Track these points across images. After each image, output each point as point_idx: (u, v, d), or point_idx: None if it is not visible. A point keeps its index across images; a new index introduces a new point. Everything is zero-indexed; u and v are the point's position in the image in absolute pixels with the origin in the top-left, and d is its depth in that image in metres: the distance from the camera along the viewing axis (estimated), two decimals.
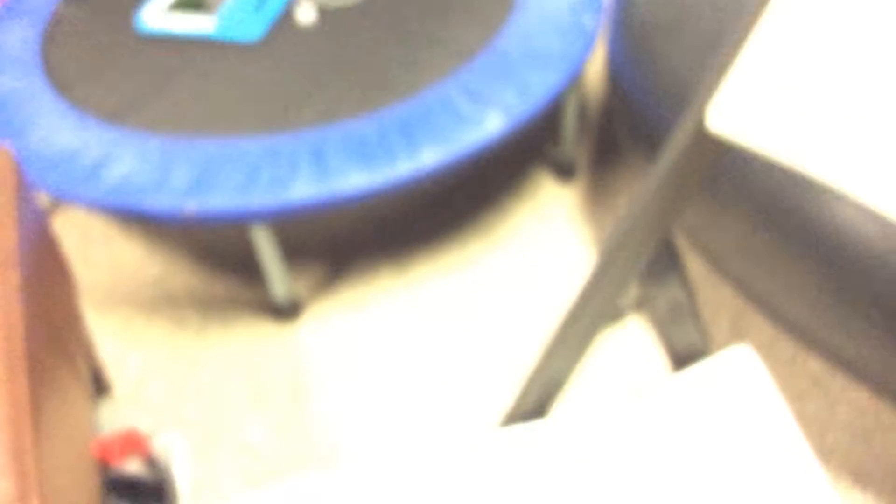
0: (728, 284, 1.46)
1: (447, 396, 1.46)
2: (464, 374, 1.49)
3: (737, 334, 1.50)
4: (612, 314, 0.79)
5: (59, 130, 1.50)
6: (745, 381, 0.84)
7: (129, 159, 1.45)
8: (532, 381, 0.83)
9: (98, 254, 1.75)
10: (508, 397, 0.85)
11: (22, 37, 1.72)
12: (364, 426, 1.43)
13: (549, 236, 1.70)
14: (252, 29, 1.64)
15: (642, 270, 0.78)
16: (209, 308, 1.63)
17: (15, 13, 1.79)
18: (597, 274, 0.76)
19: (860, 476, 1.31)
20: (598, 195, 1.78)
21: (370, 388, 1.48)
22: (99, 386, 1.44)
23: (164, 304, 1.64)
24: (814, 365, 1.43)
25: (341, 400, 1.46)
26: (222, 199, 1.39)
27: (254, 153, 1.44)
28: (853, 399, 1.40)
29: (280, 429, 1.43)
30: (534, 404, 0.83)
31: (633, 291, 0.80)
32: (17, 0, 1.83)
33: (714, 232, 1.29)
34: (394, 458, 0.86)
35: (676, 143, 0.71)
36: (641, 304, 0.81)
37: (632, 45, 1.50)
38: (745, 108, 0.68)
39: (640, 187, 0.73)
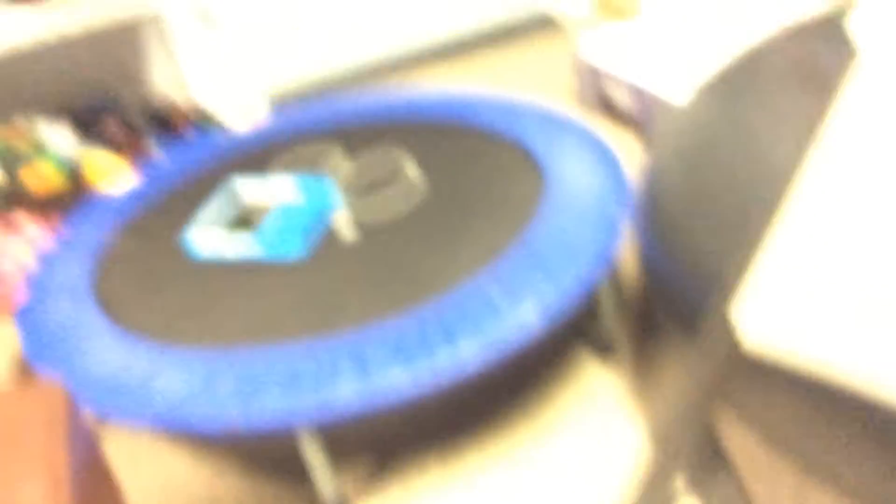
0: (786, 457, 1.43)
1: None
2: None
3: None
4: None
5: (108, 354, 1.56)
6: None
7: (175, 375, 1.49)
8: None
9: (146, 469, 1.77)
10: None
11: (76, 268, 1.81)
12: None
13: (596, 419, 1.69)
14: (296, 248, 1.72)
15: (691, 469, 0.78)
16: None
17: (69, 246, 1.89)
18: (647, 472, 0.76)
19: None
20: (642, 376, 1.78)
21: None
22: None
23: None
24: None
25: None
26: (267, 407, 1.41)
27: (295, 359, 1.48)
28: None
29: None
30: None
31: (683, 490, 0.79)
32: (72, 233, 1.93)
33: (767, 403, 1.28)
34: None
35: (709, 351, 0.72)
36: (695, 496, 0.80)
37: (659, 232, 1.55)
38: (778, 317, 0.69)
39: (676, 390, 0.74)
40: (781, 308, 0.68)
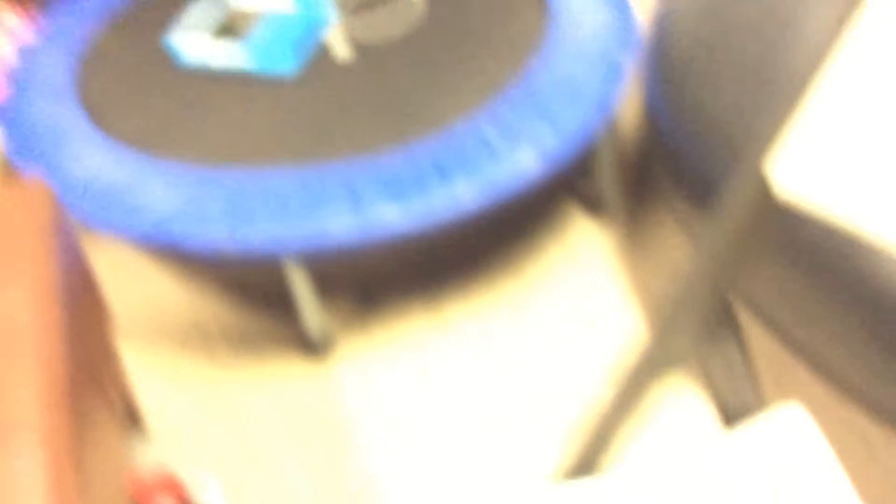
0: (771, 336, 1.44)
1: (482, 439, 1.44)
2: (499, 416, 1.47)
3: (779, 387, 1.47)
4: (668, 371, 0.77)
5: (93, 159, 1.51)
6: (798, 439, 0.83)
7: (162, 189, 1.44)
8: (586, 435, 0.81)
9: (128, 285, 1.74)
10: (545, 441, 0.83)
11: (58, 65, 1.72)
12: (401, 470, 1.41)
13: (582, 277, 1.69)
14: (287, 62, 1.64)
15: (702, 329, 0.76)
16: (241, 342, 1.62)
17: (51, 40, 1.79)
18: (657, 332, 0.75)
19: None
20: (631, 234, 1.77)
21: (406, 431, 1.46)
22: (132, 421, 1.43)
23: (195, 337, 1.63)
24: (859, 419, 1.41)
25: (378, 441, 1.45)
26: (255, 233, 1.38)
27: (285, 186, 1.44)
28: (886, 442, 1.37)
29: (316, 469, 1.42)
30: (585, 460, 0.82)
31: (689, 347, 0.78)
32: (53, 26, 1.83)
33: (760, 283, 1.27)
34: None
35: (738, 205, 0.69)
36: (698, 362, 0.79)
37: (669, 83, 1.49)
38: (814, 172, 0.66)
39: (700, 245, 0.72)
40: (818, 162, 0.65)
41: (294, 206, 1.41)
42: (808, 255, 1.18)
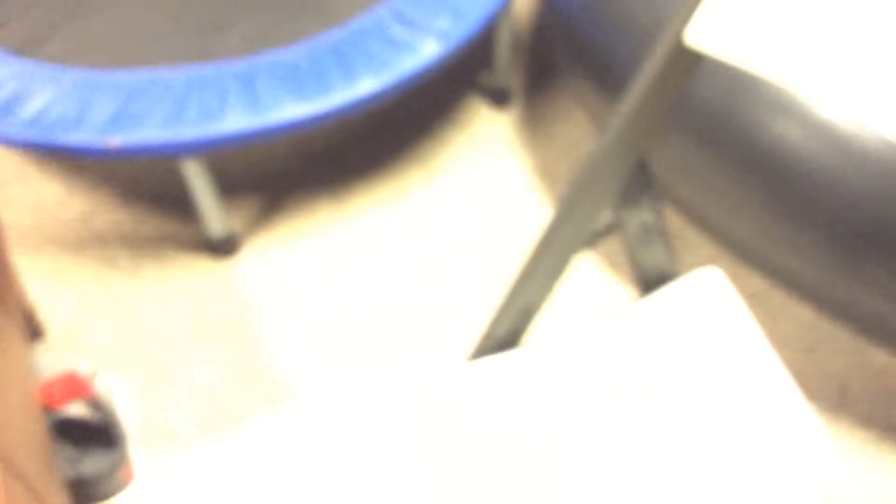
0: (667, 203, 1.47)
1: (392, 323, 1.44)
2: (408, 301, 1.48)
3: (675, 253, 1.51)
4: (585, 239, 0.77)
5: None
6: (716, 301, 0.85)
7: (46, 92, 1.37)
8: (504, 310, 0.82)
9: (15, 193, 1.67)
10: (453, 324, 0.82)
11: None
12: (312, 359, 1.41)
13: (487, 165, 1.69)
14: None
15: (617, 193, 0.77)
16: (141, 246, 1.57)
17: None
18: (571, 197, 0.75)
19: (804, 390, 1.35)
20: (533, 120, 1.77)
21: (314, 321, 1.46)
22: (32, 330, 1.38)
23: (92, 243, 1.58)
24: (755, 282, 1.46)
25: (286, 334, 1.44)
26: (149, 132, 1.34)
27: (179, 83, 1.38)
28: (795, 315, 1.43)
29: (226, 364, 1.40)
30: (506, 334, 0.82)
31: (605, 215, 0.79)
32: None
33: (662, 158, 1.29)
34: (356, 393, 0.84)
35: (653, 64, 0.69)
36: (613, 228, 0.80)
37: None
38: (725, 21, 0.67)
39: (615, 108, 0.71)
40: (731, 11, 0.66)
41: (190, 104, 1.37)
42: (705, 120, 1.20)
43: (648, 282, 0.86)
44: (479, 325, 0.87)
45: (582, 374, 0.83)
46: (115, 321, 1.48)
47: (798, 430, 0.81)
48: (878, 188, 1.11)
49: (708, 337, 0.84)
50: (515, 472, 0.78)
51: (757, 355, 0.84)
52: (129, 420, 1.32)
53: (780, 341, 1.41)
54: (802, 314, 1.44)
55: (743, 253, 1.31)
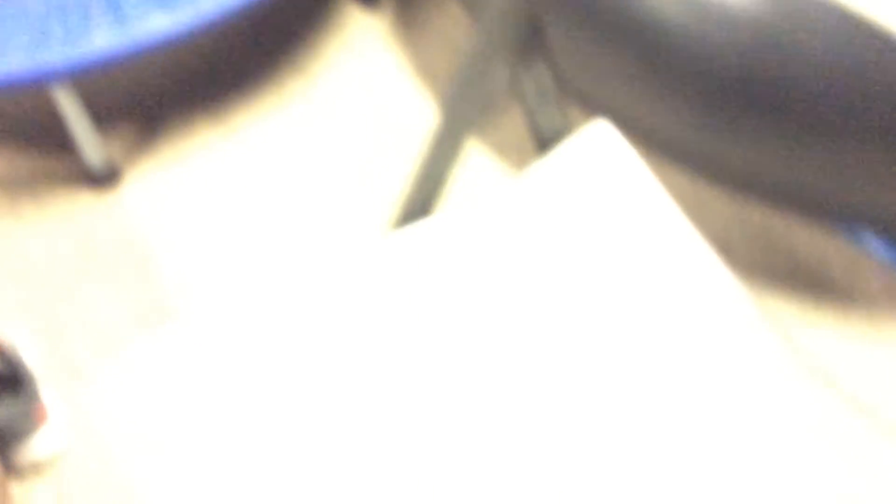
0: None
1: (284, 238, 1.44)
2: (295, 214, 1.47)
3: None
4: (484, 103, 0.79)
5: None
6: (610, 154, 0.87)
7: None
8: (414, 180, 0.83)
9: None
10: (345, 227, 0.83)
11: None
12: (209, 280, 1.39)
13: (364, 67, 1.67)
14: None
15: (512, 54, 0.78)
16: (17, 186, 1.52)
17: None
18: (469, 64, 0.76)
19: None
20: (406, 17, 1.76)
21: (206, 242, 1.45)
22: None
23: None
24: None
25: (178, 258, 1.43)
26: (12, 61, 1.28)
27: (39, 7, 1.32)
28: (670, 182, 1.47)
29: (119, 295, 1.38)
30: (418, 204, 0.83)
31: (503, 78, 0.80)
32: None
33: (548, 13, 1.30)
34: (269, 288, 0.85)
35: None
36: (511, 90, 0.82)
37: None
38: None
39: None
40: None
41: (53, 27, 1.31)
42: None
43: (546, 142, 0.88)
44: (372, 229, 0.87)
45: (494, 237, 0.85)
46: (1, 266, 1.43)
47: (708, 278, 0.85)
48: (741, 43, 1.15)
49: (609, 187, 0.87)
50: (437, 340, 0.80)
51: (655, 202, 0.87)
52: (33, 362, 1.29)
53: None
54: (678, 180, 1.48)
55: (614, 117, 1.34)
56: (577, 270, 0.83)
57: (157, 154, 1.57)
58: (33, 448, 1.19)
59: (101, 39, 1.31)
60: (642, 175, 0.88)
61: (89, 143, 1.46)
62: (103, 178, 1.52)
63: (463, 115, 0.80)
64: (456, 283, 0.83)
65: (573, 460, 0.74)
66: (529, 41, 0.78)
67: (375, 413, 0.77)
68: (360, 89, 1.64)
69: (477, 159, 1.50)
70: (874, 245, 1.30)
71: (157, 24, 1.32)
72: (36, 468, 1.21)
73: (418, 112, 1.60)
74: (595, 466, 0.73)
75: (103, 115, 1.59)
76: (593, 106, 1.37)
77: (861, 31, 1.13)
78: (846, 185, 1.22)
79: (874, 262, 1.34)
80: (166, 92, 1.66)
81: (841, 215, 1.27)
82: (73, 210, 1.49)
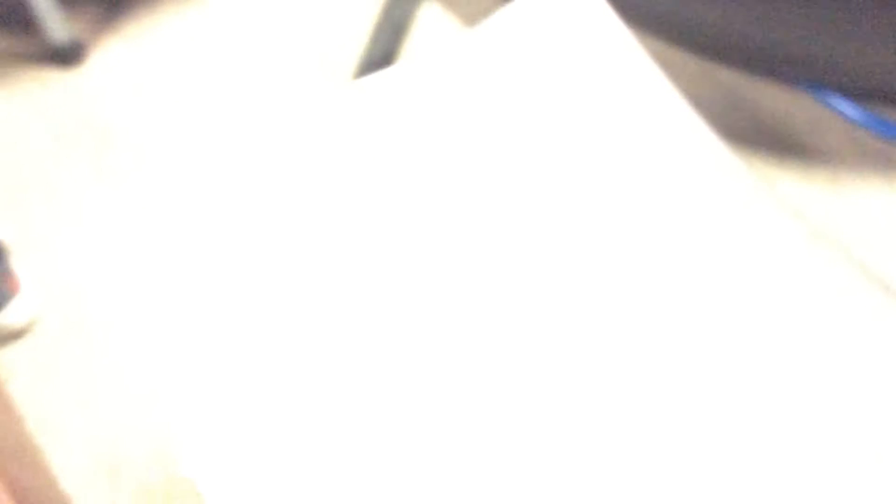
0: None
1: (251, 103, 1.43)
2: (263, 81, 1.46)
3: None
4: None
5: None
6: (580, 3, 0.86)
7: None
8: (376, 30, 0.82)
9: None
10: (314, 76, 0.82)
11: None
12: (179, 148, 1.38)
13: None
14: None
15: None
16: None
17: None
18: None
19: None
20: None
21: (172, 116, 1.43)
22: None
23: None
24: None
25: (145, 132, 1.41)
26: None
27: None
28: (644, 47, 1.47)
29: (89, 168, 1.37)
30: (381, 53, 0.83)
31: None
32: None
33: None
34: (245, 130, 0.84)
35: None
36: None
37: None
38: None
39: None
40: None
41: None
42: None
43: None
44: (341, 76, 0.87)
45: (462, 86, 0.84)
46: None
47: (690, 135, 0.83)
48: None
49: (580, 40, 0.85)
50: (400, 188, 0.80)
51: (628, 53, 0.86)
52: (2, 234, 1.29)
53: None
54: (651, 45, 1.48)
55: None
56: (547, 118, 0.82)
57: (120, 30, 1.55)
58: (7, 317, 1.20)
59: None
60: (615, 25, 0.87)
61: (53, 19, 1.44)
62: (69, 56, 1.50)
63: None
64: (418, 132, 0.82)
65: (559, 328, 0.72)
66: None
67: (343, 266, 0.77)
68: None
69: (437, 9, 1.48)
70: (837, 102, 1.32)
71: None
72: (11, 336, 1.23)
73: None
74: (577, 324, 0.72)
75: None
76: None
77: None
78: (812, 42, 1.23)
79: (836, 118, 1.35)
80: None
81: (806, 74, 1.28)
82: (39, 88, 1.48)
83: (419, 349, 0.70)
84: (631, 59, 0.85)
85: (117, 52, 1.52)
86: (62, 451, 1.16)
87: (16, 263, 1.26)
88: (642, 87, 0.83)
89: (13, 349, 1.23)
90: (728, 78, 1.43)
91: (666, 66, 1.45)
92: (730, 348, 0.68)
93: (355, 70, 0.86)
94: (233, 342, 0.74)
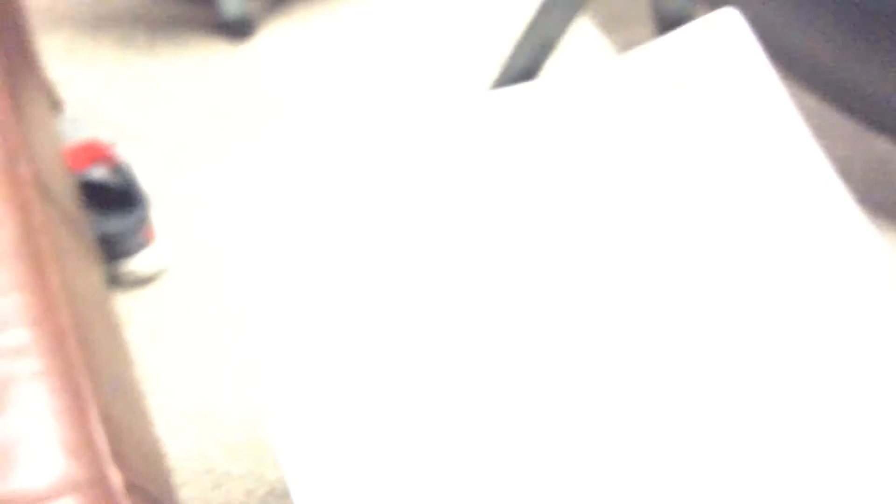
0: None
1: (398, 96, 1.47)
2: (423, 69, 1.50)
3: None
4: None
5: None
6: (733, 43, 0.86)
7: None
8: (522, 42, 0.84)
9: None
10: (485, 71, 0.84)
11: None
12: (325, 126, 1.43)
13: None
14: None
15: None
16: (156, 28, 1.60)
17: None
18: None
19: None
20: None
21: (326, 94, 1.48)
22: (52, 105, 1.41)
23: (107, 23, 1.60)
24: None
25: (302, 112, 1.46)
26: None
27: None
28: (798, 103, 1.44)
29: (240, 142, 1.43)
30: (524, 66, 0.84)
31: None
32: None
33: None
34: (378, 126, 0.87)
35: None
36: None
37: None
38: None
39: None
40: None
41: None
42: None
43: (667, 22, 0.87)
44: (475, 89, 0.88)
45: (595, 108, 0.85)
46: (132, 98, 1.51)
47: (819, 187, 0.83)
48: None
49: (722, 77, 0.85)
50: (529, 201, 0.82)
51: (770, 97, 0.86)
52: (148, 185, 1.36)
53: None
54: (807, 102, 1.45)
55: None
56: (678, 152, 0.83)
57: (292, 11, 1.61)
58: (137, 263, 1.27)
59: None
60: (765, 71, 0.86)
61: None
62: (238, 30, 1.58)
63: None
64: (551, 147, 0.84)
65: (654, 331, 0.75)
66: None
67: (460, 259, 0.79)
68: None
69: (588, 29, 1.48)
70: None
71: None
72: (138, 282, 1.29)
73: None
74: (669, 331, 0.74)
75: None
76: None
77: None
78: None
79: None
80: None
81: None
82: (206, 55, 1.56)
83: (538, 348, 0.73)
84: (772, 105, 0.85)
85: (285, 31, 1.59)
86: (161, 397, 1.22)
87: (156, 215, 1.33)
88: (776, 133, 0.83)
89: (137, 296, 1.30)
90: (884, 149, 1.39)
91: (823, 127, 1.41)
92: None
93: (495, 80, 0.88)
94: (337, 329, 0.77)
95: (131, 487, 0.75)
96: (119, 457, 0.76)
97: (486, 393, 0.72)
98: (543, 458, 0.70)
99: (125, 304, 1.30)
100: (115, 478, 0.74)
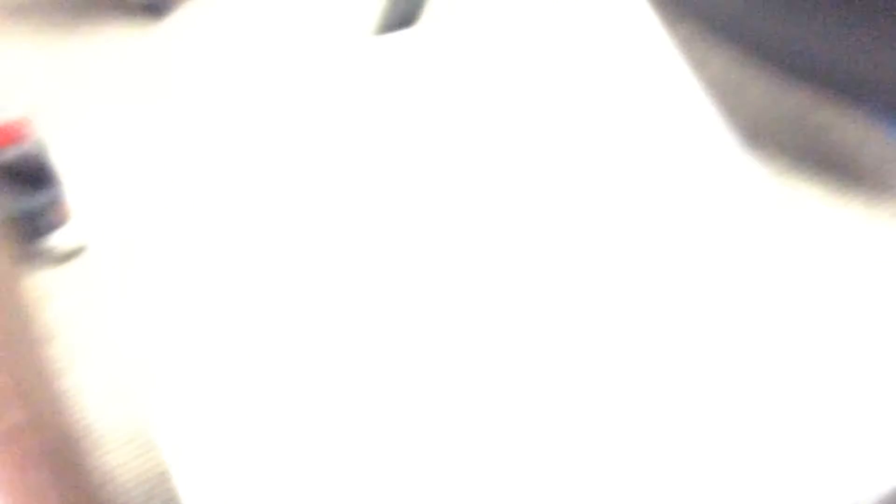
0: None
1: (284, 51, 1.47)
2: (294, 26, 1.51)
3: None
4: None
5: None
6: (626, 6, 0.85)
7: None
8: None
9: None
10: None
11: None
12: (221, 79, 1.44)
13: None
14: None
15: None
16: (76, 9, 1.60)
17: None
18: None
19: (733, 128, 1.40)
20: None
21: (232, 63, 1.49)
22: None
23: (27, 4, 1.58)
24: (682, 29, 1.49)
25: (198, 68, 1.47)
26: None
27: None
28: (706, 61, 1.46)
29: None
30: (402, 13, 0.85)
31: None
32: None
33: None
34: (263, 73, 0.87)
35: None
36: None
37: None
38: None
39: None
40: None
41: None
42: None
43: None
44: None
45: (475, 54, 0.85)
46: (51, 77, 1.51)
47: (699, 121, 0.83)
48: None
49: (606, 24, 0.84)
50: (408, 151, 0.82)
51: (648, 34, 0.85)
52: (62, 164, 1.37)
53: (709, 81, 1.44)
54: (717, 61, 1.47)
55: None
56: (558, 93, 0.82)
57: None
58: (55, 240, 1.27)
59: None
60: (648, 18, 0.85)
61: None
62: (154, 11, 1.58)
63: None
64: (432, 95, 0.84)
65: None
66: None
67: (340, 215, 0.79)
68: None
69: None
70: None
71: None
72: (56, 260, 1.30)
73: None
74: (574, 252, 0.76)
75: None
76: None
77: None
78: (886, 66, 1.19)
79: None
80: None
81: (884, 100, 1.24)
82: (122, 36, 1.57)
83: (417, 336, 0.74)
84: (657, 49, 0.85)
85: (196, 13, 1.60)
86: (85, 370, 1.23)
87: (70, 194, 1.33)
88: (662, 78, 0.83)
89: (57, 274, 1.30)
90: (797, 104, 1.40)
91: (735, 87, 1.43)
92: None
93: (374, 27, 0.89)
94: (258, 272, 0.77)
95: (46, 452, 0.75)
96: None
97: (361, 375, 0.72)
98: (411, 431, 0.70)
99: (48, 281, 1.31)
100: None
